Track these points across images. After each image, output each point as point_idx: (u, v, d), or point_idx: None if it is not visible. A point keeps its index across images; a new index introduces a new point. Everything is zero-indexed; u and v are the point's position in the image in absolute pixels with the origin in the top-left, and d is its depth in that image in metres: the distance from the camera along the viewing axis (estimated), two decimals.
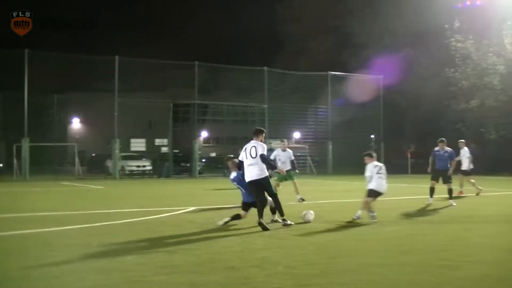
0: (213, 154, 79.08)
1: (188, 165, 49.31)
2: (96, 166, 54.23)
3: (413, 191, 26.73)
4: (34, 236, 12.47)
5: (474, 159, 25.70)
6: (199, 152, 50.99)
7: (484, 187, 25.02)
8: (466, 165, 24.76)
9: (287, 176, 19.70)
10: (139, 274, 8.46)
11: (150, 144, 69.61)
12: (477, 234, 12.41)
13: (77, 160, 47.01)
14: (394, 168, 54.88)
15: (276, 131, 48.82)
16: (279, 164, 20.13)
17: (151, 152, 52.32)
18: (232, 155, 19.43)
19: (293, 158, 21.23)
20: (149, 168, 49.02)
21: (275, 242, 11.34)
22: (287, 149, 21.36)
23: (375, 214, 14.47)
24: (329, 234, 12.46)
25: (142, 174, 48.03)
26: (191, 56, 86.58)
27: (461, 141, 25.43)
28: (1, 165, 46.28)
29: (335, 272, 8.51)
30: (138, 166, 48.74)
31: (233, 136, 66.20)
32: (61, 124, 66.71)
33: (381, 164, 15.17)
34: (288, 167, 20.29)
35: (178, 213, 16.91)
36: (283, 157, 20.62)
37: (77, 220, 15.19)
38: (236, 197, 22.43)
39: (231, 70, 51.10)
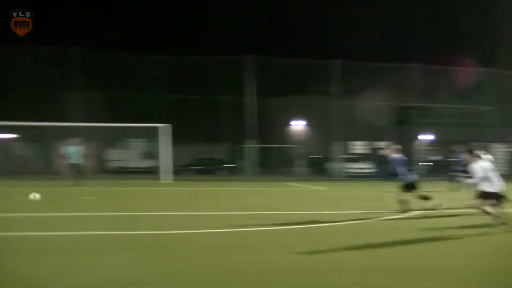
0: (438, 158, 77.48)
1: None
2: (314, 168, 54.53)
3: None
4: (255, 234, 13.52)
5: None
6: (422, 155, 50.21)
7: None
8: None
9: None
10: None
11: (369, 146, 69.74)
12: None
13: (300, 161, 47.74)
14: None
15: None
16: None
17: (371, 154, 51.97)
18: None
19: None
20: (371, 170, 48.54)
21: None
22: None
23: None
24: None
25: (364, 176, 47.73)
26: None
27: None
28: (235, 165, 48.73)
29: None
30: (362, 168, 48.37)
31: (457, 139, 64.41)
32: (281, 127, 68.59)
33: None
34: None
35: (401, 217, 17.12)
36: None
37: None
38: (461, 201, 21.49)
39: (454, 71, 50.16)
